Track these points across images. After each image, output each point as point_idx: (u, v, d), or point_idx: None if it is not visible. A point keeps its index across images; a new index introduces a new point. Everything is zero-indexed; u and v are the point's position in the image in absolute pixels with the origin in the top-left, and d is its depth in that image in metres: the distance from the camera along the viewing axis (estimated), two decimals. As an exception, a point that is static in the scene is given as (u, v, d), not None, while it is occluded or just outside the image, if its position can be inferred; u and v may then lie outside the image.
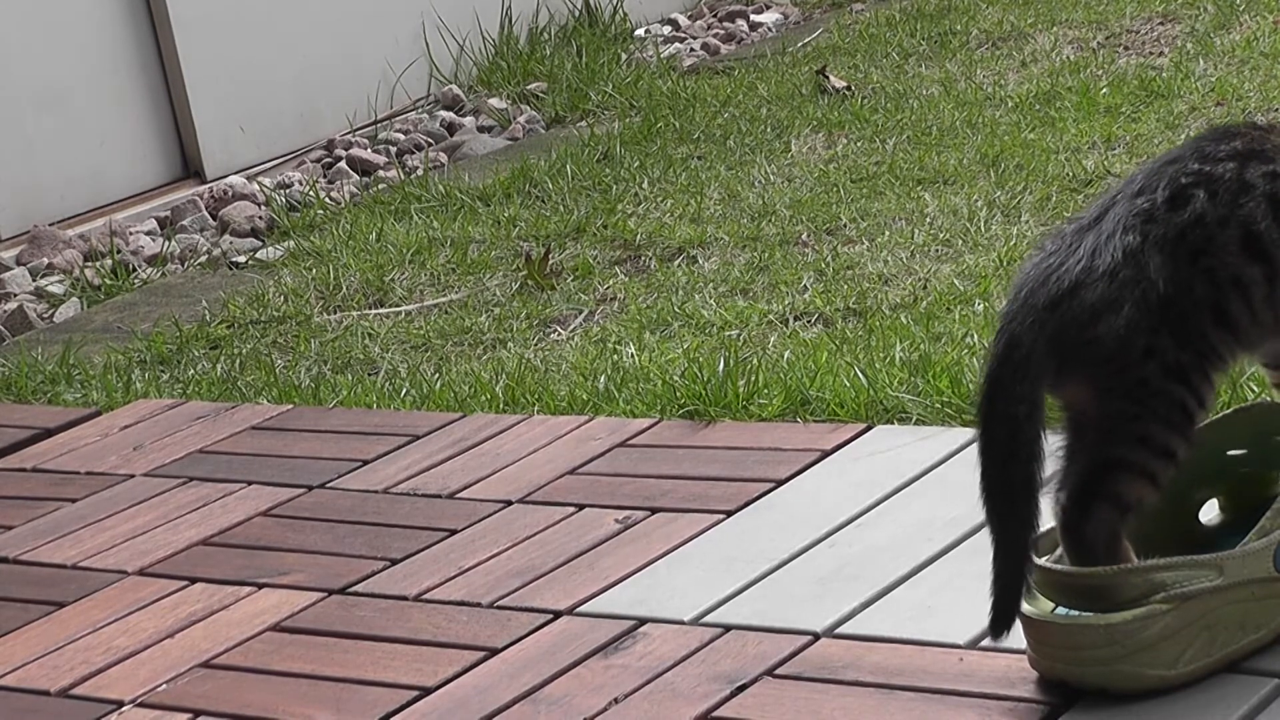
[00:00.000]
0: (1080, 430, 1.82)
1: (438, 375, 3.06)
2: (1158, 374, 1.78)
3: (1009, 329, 1.79)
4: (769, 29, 5.55)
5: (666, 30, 5.62)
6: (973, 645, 1.94)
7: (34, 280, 4.03)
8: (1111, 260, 1.78)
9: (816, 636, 2.03)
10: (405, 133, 4.81)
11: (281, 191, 4.40)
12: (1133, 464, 1.80)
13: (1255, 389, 2.35)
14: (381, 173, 4.53)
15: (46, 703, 2.20)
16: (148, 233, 4.31)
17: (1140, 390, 1.78)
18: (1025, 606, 1.82)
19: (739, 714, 1.91)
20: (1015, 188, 3.52)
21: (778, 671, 1.98)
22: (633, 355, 2.96)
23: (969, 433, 2.44)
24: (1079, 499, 1.81)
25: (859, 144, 4.00)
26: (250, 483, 2.72)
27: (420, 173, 4.46)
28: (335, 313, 3.53)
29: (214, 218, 4.32)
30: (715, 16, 5.75)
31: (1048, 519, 1.83)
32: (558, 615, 2.18)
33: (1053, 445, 1.81)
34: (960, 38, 4.77)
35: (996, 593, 1.80)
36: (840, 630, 2.04)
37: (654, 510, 2.40)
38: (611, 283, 3.41)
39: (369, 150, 4.68)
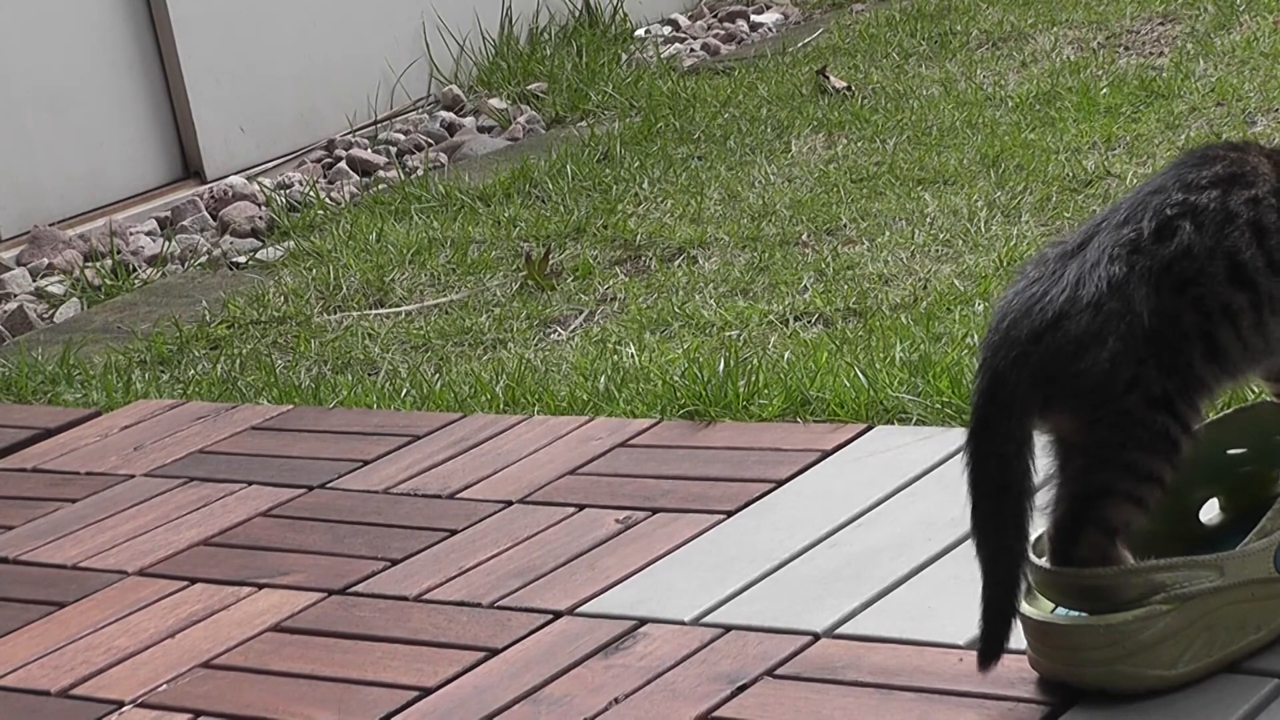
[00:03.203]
0: (1068, 454, 1.81)
1: (438, 375, 3.06)
2: (1141, 404, 1.77)
3: (992, 364, 1.78)
4: (769, 29, 5.55)
5: (666, 30, 5.62)
6: (972, 645, 1.94)
7: (34, 280, 4.03)
8: (1096, 291, 1.77)
9: (816, 636, 2.03)
10: (405, 133, 4.82)
11: (281, 192, 4.40)
12: (1119, 491, 1.80)
13: (1255, 390, 2.35)
14: (381, 173, 4.53)
15: (46, 703, 2.20)
16: (148, 233, 4.31)
17: (1124, 420, 1.78)
18: (1025, 607, 1.82)
19: (739, 714, 1.91)
20: (1015, 188, 3.52)
21: (778, 671, 1.98)
22: (633, 355, 2.96)
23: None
24: (1067, 527, 1.81)
25: (859, 144, 4.00)
26: (250, 483, 2.72)
27: (420, 173, 4.46)
28: (335, 313, 3.53)
29: (214, 218, 4.32)
30: (715, 17, 5.75)
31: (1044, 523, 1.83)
32: (558, 615, 2.18)
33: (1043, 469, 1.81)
34: (960, 38, 4.77)
35: (986, 623, 1.80)
36: (840, 630, 2.04)
37: (654, 510, 2.40)
38: (611, 283, 3.41)
39: (369, 150, 4.68)
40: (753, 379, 2.71)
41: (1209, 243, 1.78)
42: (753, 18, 5.66)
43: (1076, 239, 1.83)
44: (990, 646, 1.80)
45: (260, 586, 2.39)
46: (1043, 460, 1.81)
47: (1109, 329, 1.76)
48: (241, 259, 3.97)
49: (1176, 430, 1.79)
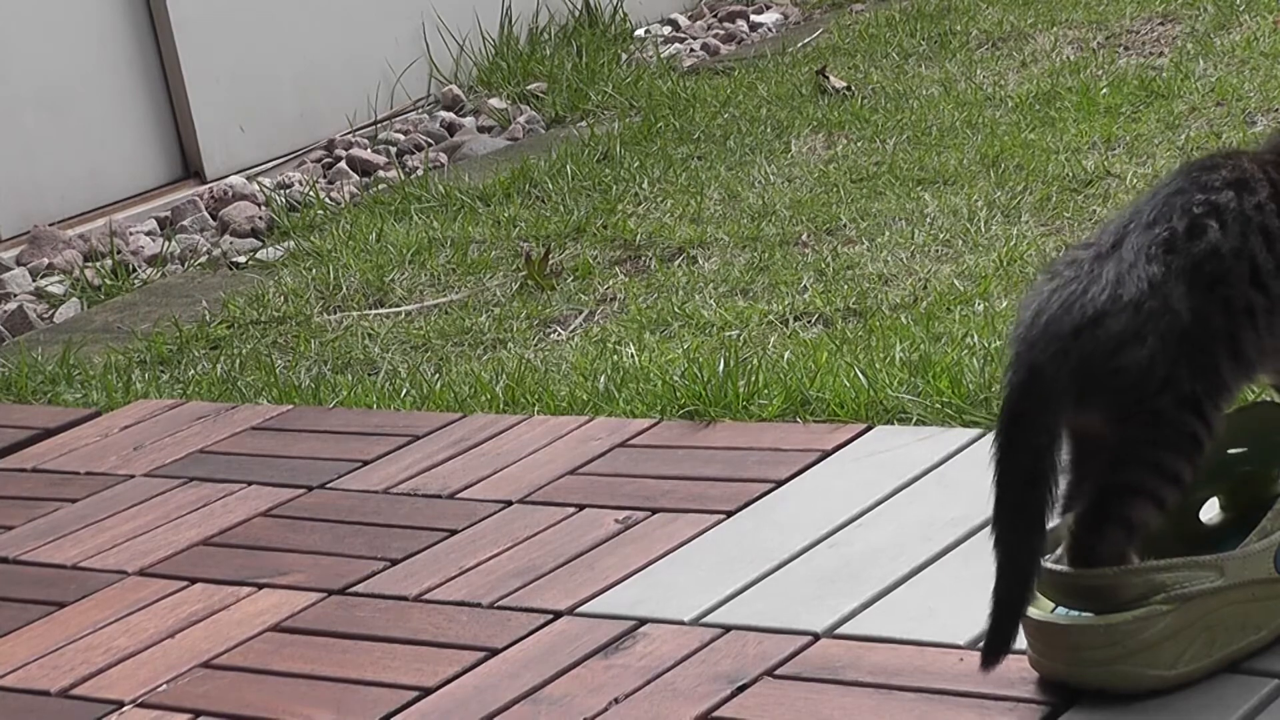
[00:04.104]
0: (1085, 451, 1.82)
1: (438, 375, 3.06)
2: (1172, 404, 1.79)
3: (1029, 358, 1.79)
4: (769, 29, 5.55)
5: (666, 30, 5.62)
6: (973, 645, 1.94)
7: (34, 280, 4.03)
8: (1137, 290, 1.78)
9: (816, 636, 2.03)
10: (405, 133, 4.81)
11: (281, 192, 4.40)
12: (1144, 489, 1.80)
13: (1255, 389, 2.35)
14: (381, 173, 4.53)
15: (46, 703, 2.20)
16: (148, 233, 4.31)
17: (1155, 419, 1.79)
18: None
19: (739, 714, 1.91)
20: (1015, 188, 3.52)
21: (778, 671, 1.98)
22: (633, 355, 2.96)
23: (969, 433, 2.45)
24: (1091, 523, 1.81)
25: (859, 144, 4.00)
26: (250, 483, 2.72)
27: (420, 173, 4.46)
28: (335, 313, 3.53)
29: (214, 218, 4.32)
30: (715, 17, 5.75)
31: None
32: (558, 615, 2.18)
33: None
34: (960, 38, 4.77)
35: (995, 619, 1.80)
36: (840, 630, 2.04)
37: (654, 510, 2.40)
38: (611, 283, 3.41)
39: (369, 150, 4.68)
40: (753, 379, 2.70)
41: (1235, 243, 1.81)
42: (753, 18, 5.66)
43: (1108, 240, 1.84)
44: (997, 643, 1.80)
45: (260, 586, 2.39)
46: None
47: (1149, 328, 1.77)
48: (241, 259, 3.97)
49: (1203, 432, 1.80)
